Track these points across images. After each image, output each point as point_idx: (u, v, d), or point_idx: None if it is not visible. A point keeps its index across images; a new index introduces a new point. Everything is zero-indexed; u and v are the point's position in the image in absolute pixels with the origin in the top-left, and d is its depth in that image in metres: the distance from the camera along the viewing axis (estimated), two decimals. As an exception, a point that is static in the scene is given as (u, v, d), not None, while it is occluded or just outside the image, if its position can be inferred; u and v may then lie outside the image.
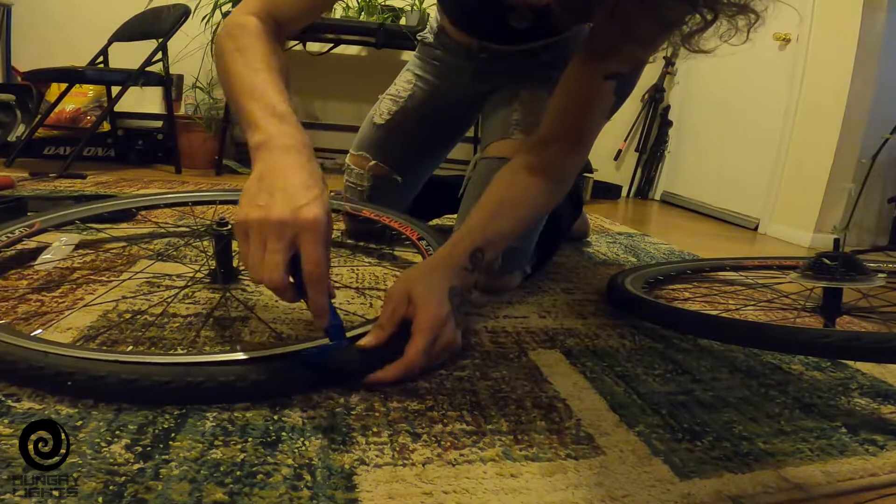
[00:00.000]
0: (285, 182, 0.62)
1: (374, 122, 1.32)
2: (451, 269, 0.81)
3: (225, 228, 0.92)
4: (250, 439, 0.54)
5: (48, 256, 1.04)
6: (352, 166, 1.34)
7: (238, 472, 0.49)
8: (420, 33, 1.34)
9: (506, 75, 1.20)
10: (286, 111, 0.71)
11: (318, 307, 0.61)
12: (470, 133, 2.36)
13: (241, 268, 1.03)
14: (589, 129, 0.93)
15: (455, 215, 1.19)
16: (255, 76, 0.75)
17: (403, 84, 1.33)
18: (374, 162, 1.30)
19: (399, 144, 1.31)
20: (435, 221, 1.55)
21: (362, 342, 0.69)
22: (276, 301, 0.91)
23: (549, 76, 1.06)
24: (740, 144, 2.77)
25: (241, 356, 0.63)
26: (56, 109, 2.59)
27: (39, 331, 0.72)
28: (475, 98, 1.28)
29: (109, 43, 2.54)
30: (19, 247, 1.05)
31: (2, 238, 0.95)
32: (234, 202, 1.37)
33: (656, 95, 3.33)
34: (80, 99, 2.73)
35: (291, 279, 0.61)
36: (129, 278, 0.96)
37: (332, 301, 0.64)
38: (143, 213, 1.43)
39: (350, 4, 2.82)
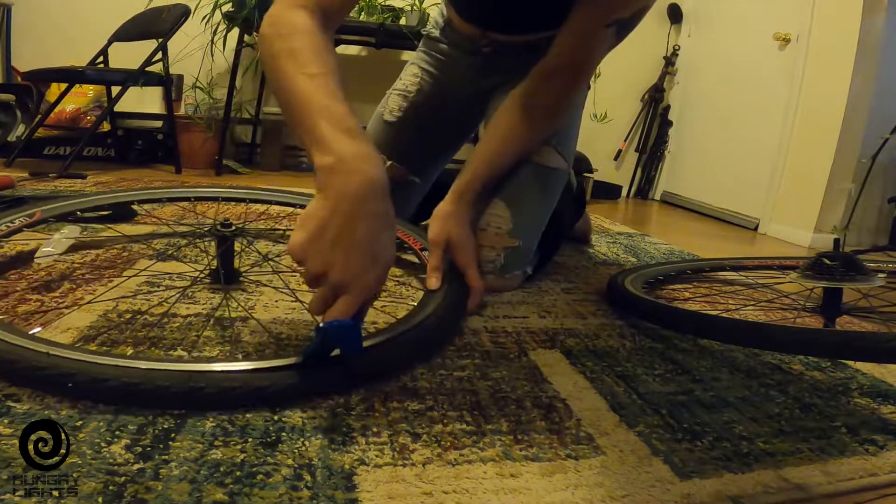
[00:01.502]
0: (353, 236, 0.61)
1: (385, 120, 1.29)
2: (469, 206, 1.01)
3: (228, 230, 0.92)
4: (250, 439, 0.54)
5: (48, 249, 1.04)
6: None
7: (238, 473, 0.49)
8: (425, 28, 1.34)
9: (509, 71, 1.20)
10: (354, 125, 0.67)
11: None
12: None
13: (242, 269, 1.03)
14: (589, 64, 1.05)
15: None
16: (313, 84, 0.70)
17: (410, 78, 1.31)
18: (390, 163, 1.25)
19: (412, 143, 1.28)
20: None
21: (429, 285, 0.89)
22: (276, 302, 0.91)
23: None
24: (740, 144, 2.77)
25: (244, 365, 0.62)
26: (56, 109, 2.59)
27: (38, 329, 0.72)
28: (481, 94, 1.27)
29: (109, 43, 2.53)
30: (19, 248, 1.05)
31: (1, 227, 0.95)
32: (237, 200, 1.36)
33: (656, 95, 3.33)
34: (80, 99, 2.73)
35: None
36: (129, 278, 0.95)
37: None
38: (146, 210, 1.44)
39: (350, 4, 2.81)
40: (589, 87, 1.17)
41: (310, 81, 0.71)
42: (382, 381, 0.68)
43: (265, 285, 0.98)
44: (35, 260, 1.00)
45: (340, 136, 0.66)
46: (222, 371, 0.61)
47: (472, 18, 1.19)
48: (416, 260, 1.12)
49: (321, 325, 0.60)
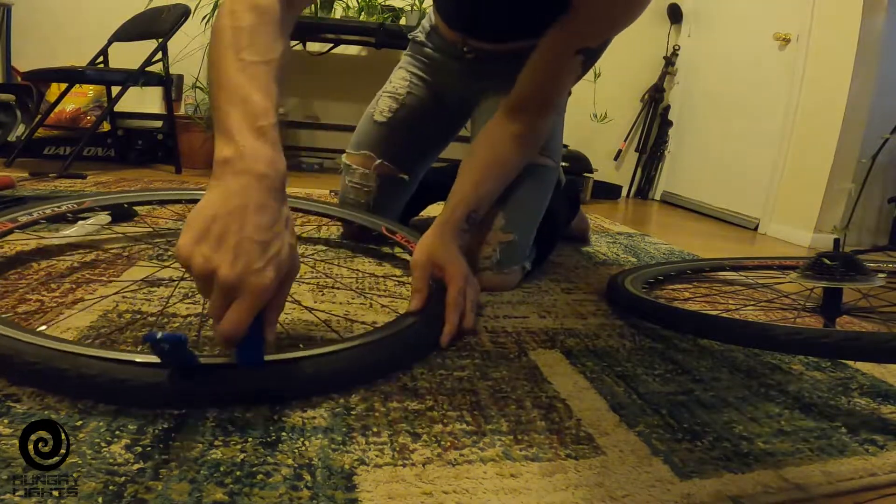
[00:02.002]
0: (241, 232, 0.56)
1: (375, 120, 1.31)
2: (454, 232, 0.96)
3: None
4: (250, 439, 0.54)
5: (68, 232, 1.11)
6: (353, 166, 1.31)
7: (238, 472, 0.49)
8: (412, 32, 1.35)
9: (493, 77, 1.21)
10: (268, 124, 0.63)
11: (219, 342, 0.58)
12: (464, 133, 2.37)
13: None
14: (557, 95, 1.06)
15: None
16: (245, 72, 0.65)
17: (400, 81, 1.33)
18: (379, 161, 1.29)
19: (401, 142, 1.31)
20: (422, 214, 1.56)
21: (411, 307, 0.82)
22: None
23: None
24: (740, 144, 2.77)
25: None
26: (56, 109, 2.59)
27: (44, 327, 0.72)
28: (466, 96, 1.29)
29: (109, 43, 2.53)
30: (18, 248, 1.05)
31: (47, 210, 1.00)
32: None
33: (656, 95, 3.33)
34: (80, 99, 2.73)
35: None
36: (129, 277, 0.95)
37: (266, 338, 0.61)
38: (162, 207, 1.46)
39: (350, 4, 2.81)
40: (570, 93, 1.17)
41: (242, 69, 0.65)
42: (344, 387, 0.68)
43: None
44: (52, 239, 1.08)
45: (247, 132, 0.61)
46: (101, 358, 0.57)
47: (455, 25, 1.21)
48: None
49: (147, 335, 0.53)
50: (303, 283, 1.02)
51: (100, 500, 0.44)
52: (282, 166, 0.63)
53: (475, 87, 1.26)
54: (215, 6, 2.57)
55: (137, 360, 0.58)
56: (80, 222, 1.17)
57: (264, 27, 0.69)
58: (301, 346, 0.75)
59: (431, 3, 1.29)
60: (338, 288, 1.01)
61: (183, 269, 0.58)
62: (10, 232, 0.93)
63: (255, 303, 0.56)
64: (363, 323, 0.85)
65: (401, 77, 1.33)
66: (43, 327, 0.73)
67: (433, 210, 1.55)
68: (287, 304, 0.91)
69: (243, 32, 0.67)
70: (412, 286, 0.87)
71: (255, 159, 0.60)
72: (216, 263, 0.55)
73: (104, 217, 1.22)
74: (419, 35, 1.32)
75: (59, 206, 1.04)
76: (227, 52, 0.67)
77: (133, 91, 2.42)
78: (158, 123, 2.83)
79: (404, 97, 1.30)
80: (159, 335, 0.52)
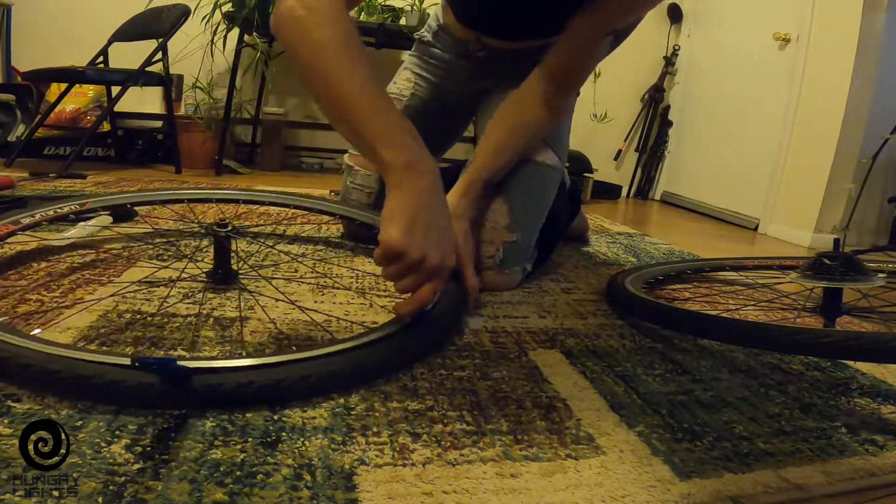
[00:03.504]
0: (436, 223, 0.73)
1: None
2: (472, 202, 1.00)
3: (224, 230, 0.92)
4: (250, 439, 0.54)
5: (69, 234, 1.11)
6: (356, 167, 1.29)
7: (238, 472, 0.49)
8: (417, 32, 1.34)
9: (501, 76, 1.21)
10: (411, 126, 0.77)
11: (408, 313, 0.74)
12: (468, 133, 2.37)
13: (241, 270, 1.03)
14: (586, 68, 1.06)
15: None
16: (371, 84, 0.76)
17: (404, 83, 1.32)
18: None
19: None
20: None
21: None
22: (277, 302, 0.91)
23: None
24: (740, 144, 2.77)
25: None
26: (56, 109, 2.59)
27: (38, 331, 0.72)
28: (473, 96, 1.29)
29: (109, 43, 2.53)
30: (18, 248, 1.05)
31: (49, 212, 1.01)
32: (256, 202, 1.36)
33: (656, 95, 3.33)
34: (80, 99, 2.73)
35: None
36: (129, 277, 0.95)
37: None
38: (169, 206, 1.46)
39: (350, 4, 2.81)
40: (578, 93, 1.17)
41: (367, 81, 0.76)
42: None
43: (259, 293, 0.98)
44: (54, 242, 1.08)
45: (405, 138, 0.75)
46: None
47: (468, 22, 1.20)
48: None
49: (137, 361, 0.56)
50: (303, 282, 1.02)
51: (100, 500, 0.44)
52: (434, 161, 0.77)
53: (480, 86, 1.26)
54: (215, 6, 2.56)
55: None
56: (80, 223, 1.17)
57: (357, 36, 0.78)
58: (294, 348, 0.75)
59: (438, 2, 1.28)
60: (338, 288, 1.01)
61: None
62: (13, 234, 0.93)
63: (446, 278, 0.74)
64: (362, 323, 0.85)
65: (405, 79, 1.33)
66: (37, 330, 0.73)
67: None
68: (287, 304, 0.91)
69: (348, 45, 0.77)
70: None
71: (424, 161, 0.75)
72: (427, 251, 0.70)
73: (105, 217, 1.22)
74: (426, 35, 1.31)
75: (61, 208, 1.04)
76: (346, 67, 0.76)
77: (133, 91, 2.42)
78: (158, 123, 2.82)
79: (408, 99, 1.30)
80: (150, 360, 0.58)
